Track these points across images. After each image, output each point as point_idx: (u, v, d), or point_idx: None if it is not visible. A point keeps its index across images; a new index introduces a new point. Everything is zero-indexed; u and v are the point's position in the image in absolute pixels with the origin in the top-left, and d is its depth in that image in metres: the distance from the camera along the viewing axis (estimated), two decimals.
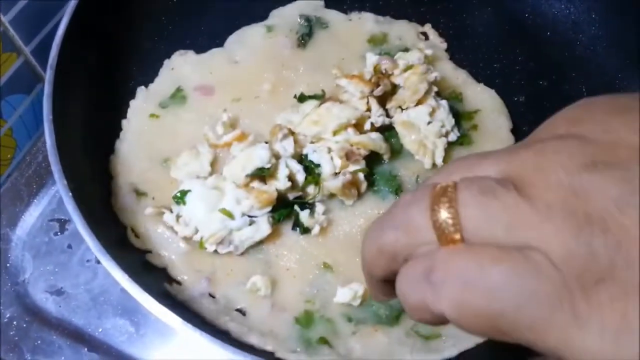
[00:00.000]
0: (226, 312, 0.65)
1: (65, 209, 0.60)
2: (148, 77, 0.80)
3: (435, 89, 0.75)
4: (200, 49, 0.83)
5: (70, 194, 0.59)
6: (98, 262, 0.65)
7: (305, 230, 0.69)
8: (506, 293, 0.30)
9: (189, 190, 0.68)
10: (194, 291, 0.66)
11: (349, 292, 0.65)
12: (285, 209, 0.69)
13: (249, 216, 0.67)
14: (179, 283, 0.67)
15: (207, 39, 0.84)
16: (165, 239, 0.68)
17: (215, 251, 0.67)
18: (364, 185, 0.71)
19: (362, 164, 0.71)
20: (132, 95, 0.78)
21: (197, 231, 0.67)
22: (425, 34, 0.86)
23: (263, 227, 0.67)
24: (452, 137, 0.75)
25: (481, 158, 0.34)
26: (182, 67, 0.80)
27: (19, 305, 0.74)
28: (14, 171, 0.84)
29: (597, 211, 0.29)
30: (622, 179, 0.29)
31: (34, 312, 0.74)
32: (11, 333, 0.73)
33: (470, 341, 0.64)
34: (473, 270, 0.31)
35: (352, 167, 0.70)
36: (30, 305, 0.74)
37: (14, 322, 0.73)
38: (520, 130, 0.79)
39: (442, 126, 0.74)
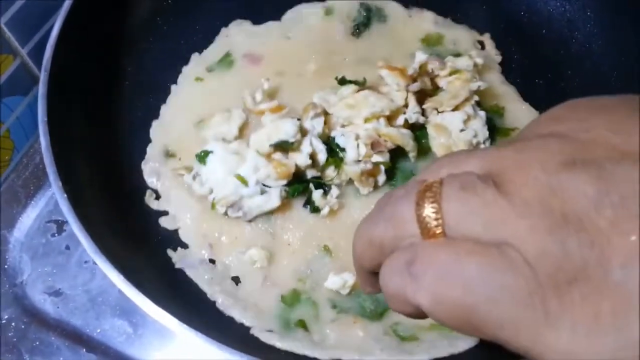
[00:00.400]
0: (219, 281, 0.68)
1: (62, 210, 0.60)
2: (143, 77, 0.80)
3: (476, 98, 0.74)
4: (199, 46, 0.83)
5: (65, 195, 0.59)
6: (96, 263, 0.65)
7: (315, 210, 0.70)
8: (480, 287, 0.30)
9: (211, 152, 0.70)
10: (195, 257, 0.69)
11: (339, 280, 0.66)
12: (300, 185, 0.71)
13: (263, 185, 0.69)
14: (184, 247, 0.70)
15: (202, 38, 0.84)
16: (182, 201, 0.71)
17: (226, 214, 0.69)
18: (382, 178, 0.71)
19: (385, 157, 0.71)
20: (125, 92, 0.79)
21: (211, 192, 0.69)
22: (482, 43, 0.85)
23: (274, 198, 0.69)
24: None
25: (468, 155, 0.35)
26: (236, 35, 0.83)
27: (17, 306, 0.75)
28: (11, 173, 0.85)
29: (573, 210, 0.29)
30: (598, 178, 0.29)
31: (32, 313, 0.74)
32: (9, 334, 0.73)
33: (444, 350, 0.64)
34: (450, 263, 0.31)
35: (376, 158, 0.70)
36: (29, 307, 0.75)
37: (13, 324, 0.74)
38: None
39: (475, 136, 0.72)
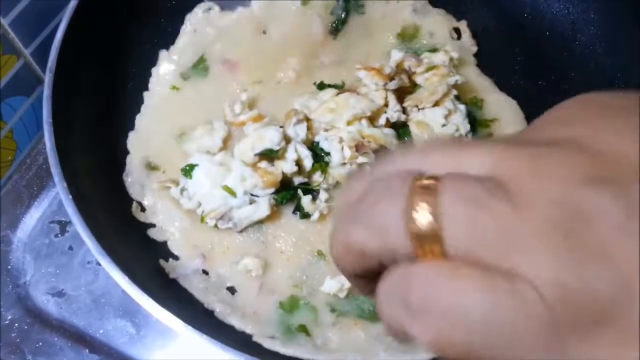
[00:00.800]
0: (215, 291, 0.67)
1: (65, 211, 0.60)
2: (146, 77, 0.80)
3: (455, 92, 0.75)
4: None
5: (71, 196, 0.60)
6: (99, 263, 0.65)
7: (305, 216, 0.71)
8: (486, 329, 0.26)
9: (197, 165, 0.70)
10: (188, 268, 0.69)
11: (336, 283, 0.66)
12: (288, 192, 0.71)
13: (252, 195, 0.69)
14: (175, 259, 0.69)
15: None
16: (169, 213, 0.71)
17: (215, 226, 0.69)
18: None
19: (370, 158, 0.71)
20: (129, 93, 0.79)
21: (199, 205, 0.69)
22: (458, 31, 0.85)
23: (263, 207, 0.69)
24: None
25: (469, 146, 0.29)
26: (205, 31, 0.81)
27: (20, 307, 0.75)
28: (14, 173, 0.85)
29: (598, 239, 0.24)
30: (625, 201, 0.25)
31: (35, 314, 0.74)
32: (13, 335, 0.73)
33: None
34: (452, 298, 0.26)
35: (361, 159, 0.70)
36: (32, 307, 0.75)
37: (16, 324, 0.74)
38: None
39: (457, 130, 0.73)
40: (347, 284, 0.66)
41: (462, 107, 0.75)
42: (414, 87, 0.75)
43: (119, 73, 0.78)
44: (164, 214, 0.71)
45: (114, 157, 0.74)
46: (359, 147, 0.70)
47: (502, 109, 0.80)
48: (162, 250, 0.70)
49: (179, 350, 0.72)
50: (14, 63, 0.81)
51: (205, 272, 0.69)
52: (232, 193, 0.68)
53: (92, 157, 0.69)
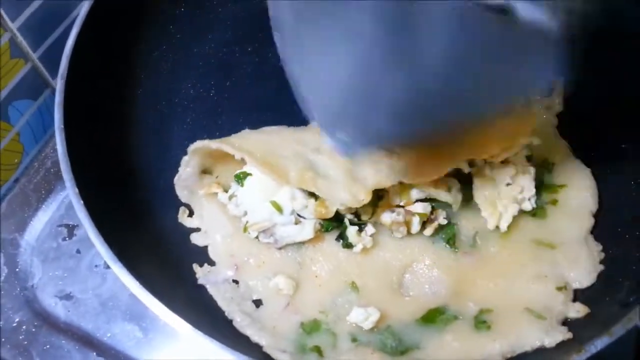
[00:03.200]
0: (239, 301, 0.68)
1: (73, 215, 0.62)
2: (155, 84, 0.81)
3: (526, 152, 0.72)
4: (212, 55, 0.84)
5: (82, 202, 0.60)
6: (107, 267, 0.66)
7: (348, 245, 0.70)
8: None
9: (250, 174, 0.69)
10: (220, 275, 0.70)
11: (363, 313, 0.66)
12: (336, 221, 0.70)
13: (298, 215, 0.69)
14: (211, 264, 0.70)
15: (215, 46, 0.86)
16: (214, 219, 0.72)
17: (256, 239, 0.70)
18: (415, 227, 0.70)
19: (426, 208, 0.70)
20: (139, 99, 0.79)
21: (245, 214, 0.69)
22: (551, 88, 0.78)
23: (307, 230, 0.69)
24: (527, 206, 0.71)
25: None
26: None
27: (28, 309, 0.75)
28: (22, 177, 0.85)
29: None
30: None
31: (43, 316, 0.75)
32: (20, 337, 0.74)
33: None
34: None
35: (415, 207, 0.69)
36: (39, 310, 0.75)
37: (23, 327, 0.74)
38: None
39: (521, 192, 0.71)
40: (374, 317, 0.65)
41: (531, 169, 0.72)
42: None
43: (128, 79, 0.79)
44: (209, 219, 0.72)
45: (125, 162, 0.74)
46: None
47: (573, 176, 0.75)
48: (189, 255, 0.71)
49: (186, 353, 0.73)
50: (21, 67, 0.82)
51: (235, 281, 0.70)
52: (280, 209, 0.68)
53: (103, 163, 0.70)
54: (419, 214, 0.69)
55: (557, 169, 0.75)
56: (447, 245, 0.71)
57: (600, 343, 0.56)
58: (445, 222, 0.71)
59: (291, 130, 0.74)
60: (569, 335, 0.62)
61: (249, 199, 0.69)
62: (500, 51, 0.48)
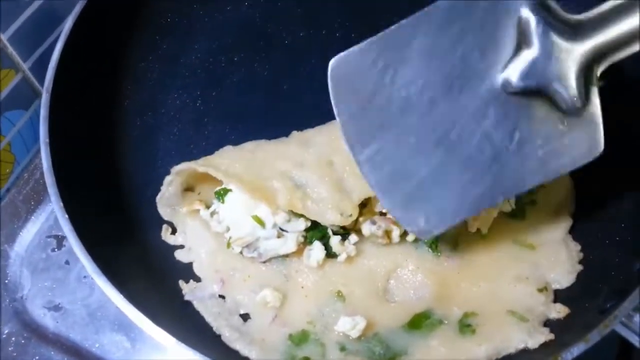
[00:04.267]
0: (227, 316, 0.68)
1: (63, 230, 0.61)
2: (141, 95, 0.81)
3: None
4: (198, 65, 0.85)
5: (67, 216, 0.61)
6: None
7: (332, 255, 0.70)
8: None
9: (231, 190, 0.70)
10: (206, 291, 0.70)
11: (350, 322, 0.66)
12: (318, 232, 0.70)
13: (281, 229, 0.69)
14: (197, 280, 0.71)
15: (201, 57, 0.86)
16: (198, 235, 0.72)
17: (240, 253, 0.70)
18: (396, 235, 0.70)
19: None
20: (125, 111, 0.79)
21: (228, 229, 0.70)
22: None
23: (290, 243, 0.69)
24: (506, 207, 0.71)
25: None
26: None
27: (17, 321, 0.76)
28: (12, 187, 0.86)
29: None
30: None
31: (32, 327, 0.75)
32: (10, 349, 0.74)
33: None
34: None
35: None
36: (29, 321, 0.76)
37: (13, 338, 0.75)
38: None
39: None
40: (361, 324, 0.66)
41: None
42: None
43: (114, 91, 0.79)
44: (193, 236, 0.72)
45: (111, 175, 0.74)
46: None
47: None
48: (175, 272, 0.71)
49: None
50: (12, 77, 0.82)
51: (222, 296, 0.70)
52: (262, 223, 0.68)
53: (88, 176, 0.70)
54: (399, 225, 0.69)
55: None
56: (429, 250, 0.71)
57: (576, 349, 0.56)
58: None
59: (273, 144, 0.73)
60: (551, 336, 0.63)
61: (230, 214, 0.69)
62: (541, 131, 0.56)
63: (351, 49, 0.58)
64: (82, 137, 0.71)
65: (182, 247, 0.73)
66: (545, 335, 0.63)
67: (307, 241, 0.70)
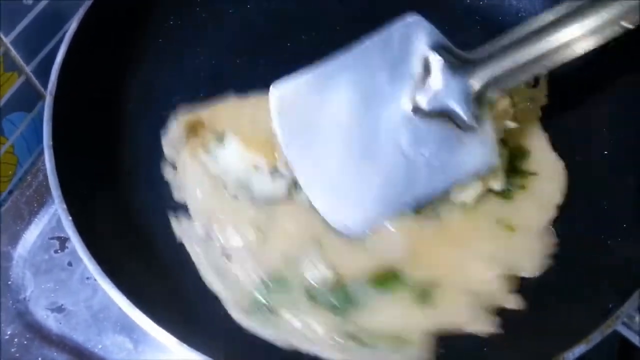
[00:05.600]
0: (212, 256, 0.71)
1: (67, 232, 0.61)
2: (147, 98, 0.81)
3: (502, 135, 0.74)
4: (203, 66, 0.86)
5: (71, 218, 0.61)
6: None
7: None
8: None
9: (231, 137, 0.74)
10: (196, 231, 0.73)
11: (318, 273, 0.69)
12: None
13: (275, 172, 0.72)
14: (190, 221, 0.74)
15: (205, 58, 0.86)
16: (196, 177, 0.76)
17: (234, 196, 0.73)
18: None
19: None
20: (129, 114, 0.80)
21: (224, 172, 0.74)
22: (537, 80, 0.82)
23: (282, 187, 0.73)
24: (496, 186, 0.73)
25: None
26: None
27: (20, 322, 0.76)
28: (15, 189, 0.86)
29: None
30: None
31: (35, 329, 0.75)
32: (12, 350, 0.74)
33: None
34: None
35: None
36: (31, 323, 0.76)
37: (15, 340, 0.75)
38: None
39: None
40: (329, 274, 0.69)
41: (504, 151, 0.73)
42: None
43: (118, 93, 0.79)
44: (191, 177, 0.76)
45: (116, 177, 0.75)
46: None
47: (547, 167, 0.77)
48: (183, 267, 0.72)
49: None
50: (15, 80, 0.82)
51: (210, 236, 0.73)
52: (256, 167, 0.72)
53: (93, 178, 0.70)
54: None
55: (532, 157, 0.78)
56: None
57: (577, 350, 0.56)
58: None
59: None
60: (500, 330, 0.65)
61: (228, 159, 0.74)
62: (443, 145, 0.69)
63: (291, 80, 0.71)
64: (85, 139, 0.71)
65: (179, 187, 0.76)
66: (494, 328, 0.65)
67: (297, 188, 0.73)
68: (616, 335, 0.63)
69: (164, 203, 0.76)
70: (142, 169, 0.77)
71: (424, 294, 0.69)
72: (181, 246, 0.73)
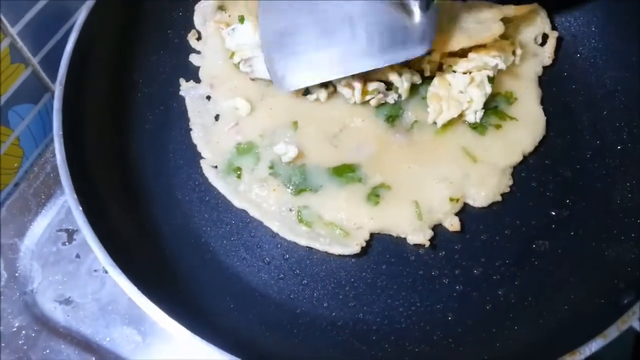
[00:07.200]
0: (203, 114, 0.80)
1: (73, 219, 0.62)
2: (153, 88, 0.82)
3: (489, 72, 0.77)
4: None
5: (81, 208, 0.60)
6: (106, 271, 0.66)
7: (307, 92, 0.80)
8: None
9: (249, 19, 0.79)
10: (198, 91, 0.82)
11: (284, 147, 0.75)
12: None
13: None
14: (197, 82, 0.83)
15: None
16: (214, 47, 0.84)
17: (238, 66, 0.81)
18: (357, 96, 0.78)
19: (378, 86, 0.78)
20: (137, 104, 0.80)
21: (237, 46, 0.80)
22: (545, 37, 0.86)
23: None
24: (471, 117, 0.78)
25: None
26: None
27: (27, 314, 0.75)
28: (22, 181, 0.86)
29: None
30: None
31: (43, 321, 0.75)
32: (20, 342, 0.74)
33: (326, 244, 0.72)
34: None
35: (371, 86, 0.78)
36: (39, 315, 0.76)
37: (23, 332, 0.75)
38: None
39: (469, 101, 0.77)
40: (292, 154, 0.75)
41: (488, 87, 0.77)
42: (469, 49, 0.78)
43: (126, 84, 0.79)
44: (210, 46, 0.84)
45: (124, 167, 0.74)
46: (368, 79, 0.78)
47: (528, 117, 0.81)
48: (193, 259, 0.73)
49: (184, 358, 0.73)
50: (22, 71, 0.82)
51: (208, 97, 0.81)
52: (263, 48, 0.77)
53: (102, 168, 0.70)
54: (374, 90, 0.78)
55: (518, 105, 0.82)
56: (386, 122, 0.80)
57: (594, 345, 0.56)
58: (392, 102, 0.80)
59: None
60: (427, 242, 0.72)
61: (243, 35, 0.80)
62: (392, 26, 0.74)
63: None
64: (94, 130, 0.71)
65: (198, 52, 0.85)
66: (424, 239, 0.71)
67: None
68: (632, 330, 0.63)
69: (175, 191, 0.76)
70: (150, 160, 0.77)
71: (374, 194, 0.74)
72: (191, 238, 0.74)
